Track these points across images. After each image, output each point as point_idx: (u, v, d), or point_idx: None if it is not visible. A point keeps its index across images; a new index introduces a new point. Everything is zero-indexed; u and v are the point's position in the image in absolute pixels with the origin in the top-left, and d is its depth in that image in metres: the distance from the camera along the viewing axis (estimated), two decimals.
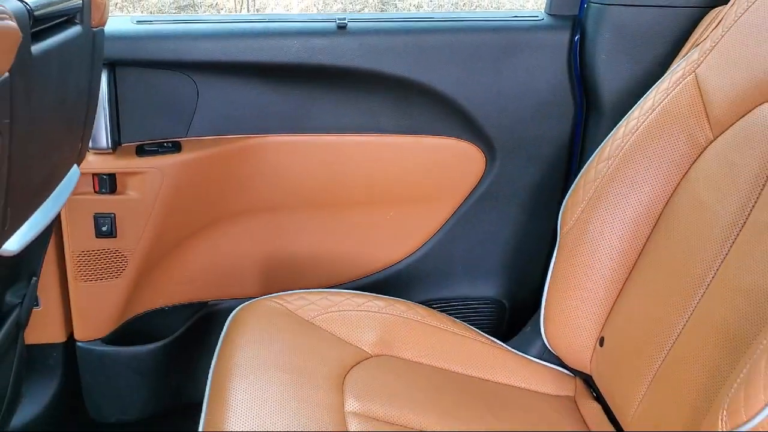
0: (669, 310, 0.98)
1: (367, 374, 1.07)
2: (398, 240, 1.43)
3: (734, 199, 0.95)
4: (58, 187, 0.89)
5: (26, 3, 0.72)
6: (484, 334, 1.24)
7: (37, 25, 0.74)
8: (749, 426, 0.73)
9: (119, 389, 1.39)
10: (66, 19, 0.86)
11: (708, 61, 1.06)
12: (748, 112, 0.98)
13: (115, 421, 1.42)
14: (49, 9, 0.77)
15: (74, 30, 0.88)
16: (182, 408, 1.46)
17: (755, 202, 0.92)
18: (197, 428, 0.93)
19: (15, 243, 0.76)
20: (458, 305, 1.47)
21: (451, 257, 1.45)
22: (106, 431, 1.43)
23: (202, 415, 0.94)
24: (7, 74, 0.66)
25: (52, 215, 0.85)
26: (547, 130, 1.35)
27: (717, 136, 1.03)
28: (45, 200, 0.85)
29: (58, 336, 1.35)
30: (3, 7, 0.66)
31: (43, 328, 1.33)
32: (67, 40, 0.85)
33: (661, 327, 0.98)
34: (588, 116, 1.33)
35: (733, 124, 1.00)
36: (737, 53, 1.02)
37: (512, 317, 1.48)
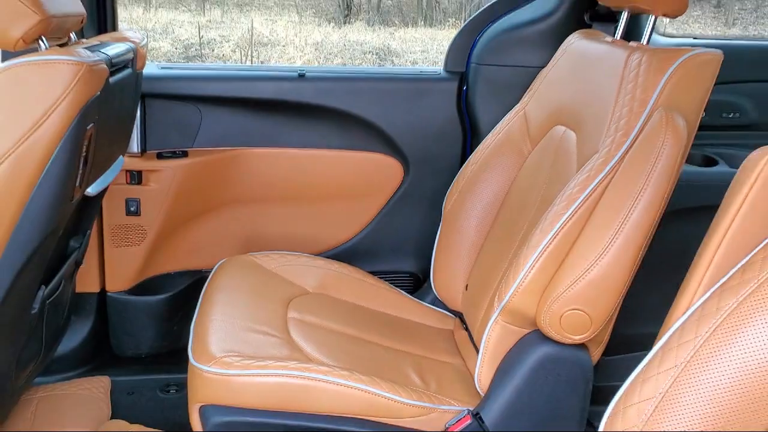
0: (501, 258, 1.55)
1: (306, 301, 1.64)
2: (341, 227, 2.02)
3: (536, 186, 1.54)
4: (114, 164, 1.49)
5: (108, 55, 1.32)
6: (394, 287, 1.80)
7: (113, 68, 1.34)
8: (505, 299, 1.30)
9: (135, 330, 1.95)
10: (124, 64, 1.46)
11: (531, 101, 1.67)
12: (547, 132, 1.58)
13: (130, 354, 1.97)
14: (119, 59, 1.38)
15: (127, 71, 1.49)
16: (182, 349, 1.99)
17: (545, 186, 1.50)
18: None
19: (93, 189, 1.35)
20: (385, 277, 2.03)
21: (380, 241, 2.03)
22: (123, 363, 1.96)
23: (197, 308, 1.51)
24: (99, 92, 1.25)
25: (111, 179, 1.45)
26: (445, 149, 1.95)
27: (533, 149, 1.62)
28: (107, 169, 1.45)
29: (94, 287, 1.91)
30: (99, 58, 1.26)
31: (84, 281, 1.90)
32: (123, 77, 1.45)
33: (496, 270, 1.55)
34: (472, 140, 1.93)
35: (540, 140, 1.60)
36: (544, 95, 1.63)
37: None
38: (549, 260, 1.27)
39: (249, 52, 10.82)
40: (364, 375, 1.33)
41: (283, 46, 11.28)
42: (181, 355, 1.96)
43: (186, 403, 1.56)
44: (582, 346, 1.32)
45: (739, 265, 0.86)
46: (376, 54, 10.84)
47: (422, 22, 13.80)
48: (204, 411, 1.31)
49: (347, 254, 2.01)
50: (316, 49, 11.20)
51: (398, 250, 2.04)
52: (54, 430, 1.57)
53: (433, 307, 1.78)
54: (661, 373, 0.85)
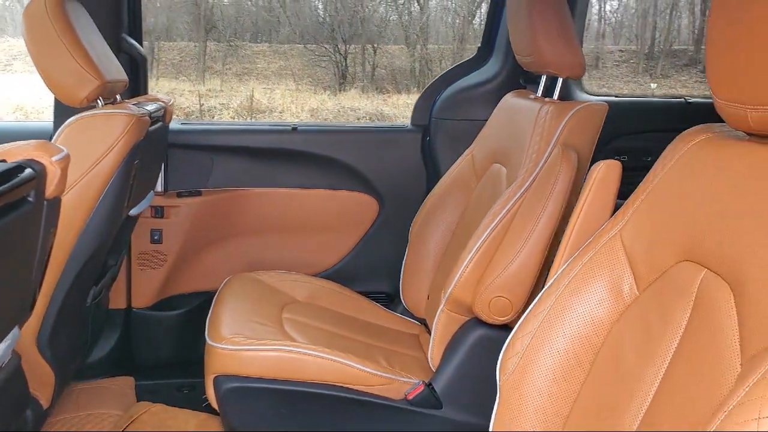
0: (452, 271, 1.97)
1: (297, 307, 2.06)
2: (327, 254, 2.46)
3: (480, 212, 1.97)
4: (148, 195, 1.94)
5: (149, 110, 1.79)
6: (370, 300, 2.23)
7: (152, 120, 1.81)
8: (449, 291, 1.73)
9: (155, 341, 2.36)
10: (158, 118, 1.93)
11: (476, 146, 2.14)
12: (487, 169, 2.03)
13: (150, 362, 2.37)
14: (155, 114, 1.85)
15: (160, 124, 1.95)
16: (194, 359, 2.38)
17: (485, 211, 1.95)
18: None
19: (134, 210, 1.80)
20: (364, 295, 2.45)
21: (359, 265, 2.47)
22: (144, 369, 2.36)
23: (211, 308, 1.93)
24: (143, 137, 1.71)
25: (146, 206, 1.90)
26: (412, 188, 2.41)
27: (478, 183, 2.08)
28: (144, 198, 1.90)
29: (121, 304, 2.33)
30: (144, 111, 1.72)
31: (114, 299, 2.32)
32: (158, 127, 1.92)
33: (450, 277, 1.97)
34: (434, 179, 2.39)
35: (483, 176, 2.05)
36: (485, 141, 2.10)
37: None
38: (480, 259, 1.71)
39: (248, 119, 11.42)
40: (341, 352, 1.74)
41: (280, 112, 11.90)
42: (192, 363, 2.37)
43: (198, 399, 1.97)
44: (509, 329, 1.73)
45: (585, 244, 1.30)
46: (370, 118, 11.44)
47: (415, 89, 14.47)
48: (217, 380, 1.72)
49: (332, 277, 2.44)
50: (311, 115, 11.82)
51: (375, 273, 2.47)
52: (96, 411, 1.98)
53: (402, 316, 2.20)
54: (536, 315, 1.28)
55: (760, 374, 0.80)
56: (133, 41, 2.18)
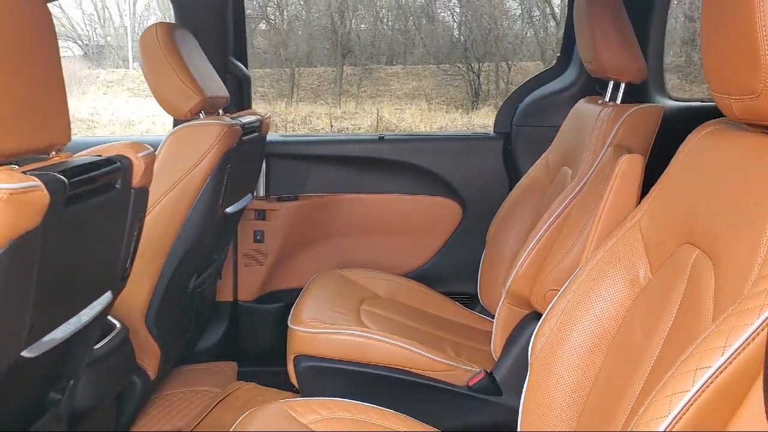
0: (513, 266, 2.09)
1: (377, 301, 2.24)
2: (412, 257, 2.63)
3: (545, 201, 2.08)
4: (244, 197, 2.20)
5: (242, 122, 2.04)
6: (450, 299, 2.37)
7: (245, 130, 2.06)
8: (508, 284, 1.85)
9: (258, 331, 2.62)
10: (253, 129, 2.19)
11: (551, 151, 2.23)
12: (558, 172, 2.13)
13: (253, 352, 2.63)
14: (249, 125, 2.10)
15: (255, 134, 2.21)
16: None
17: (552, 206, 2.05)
18: None
19: (231, 209, 2.06)
20: (447, 296, 2.59)
21: (445, 267, 2.61)
22: (247, 358, 2.62)
23: (298, 299, 2.14)
24: (235, 145, 1.97)
25: (242, 206, 2.16)
26: (494, 194, 2.53)
27: (550, 186, 2.18)
28: (240, 199, 2.16)
29: (229, 297, 2.61)
30: (236, 123, 1.98)
31: (222, 292, 2.60)
32: (253, 137, 2.17)
33: (509, 272, 2.08)
34: (514, 185, 2.50)
35: (555, 179, 2.15)
36: (557, 145, 2.20)
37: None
38: (537, 255, 1.82)
39: None
40: (409, 340, 1.90)
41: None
42: None
43: (291, 384, 2.19)
44: None
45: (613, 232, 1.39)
46: None
47: None
48: (296, 360, 1.93)
49: (417, 278, 2.60)
50: None
51: (458, 275, 2.61)
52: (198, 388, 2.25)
53: (481, 315, 2.32)
54: (563, 299, 1.39)
55: (704, 336, 0.90)
56: (238, 63, 2.48)
